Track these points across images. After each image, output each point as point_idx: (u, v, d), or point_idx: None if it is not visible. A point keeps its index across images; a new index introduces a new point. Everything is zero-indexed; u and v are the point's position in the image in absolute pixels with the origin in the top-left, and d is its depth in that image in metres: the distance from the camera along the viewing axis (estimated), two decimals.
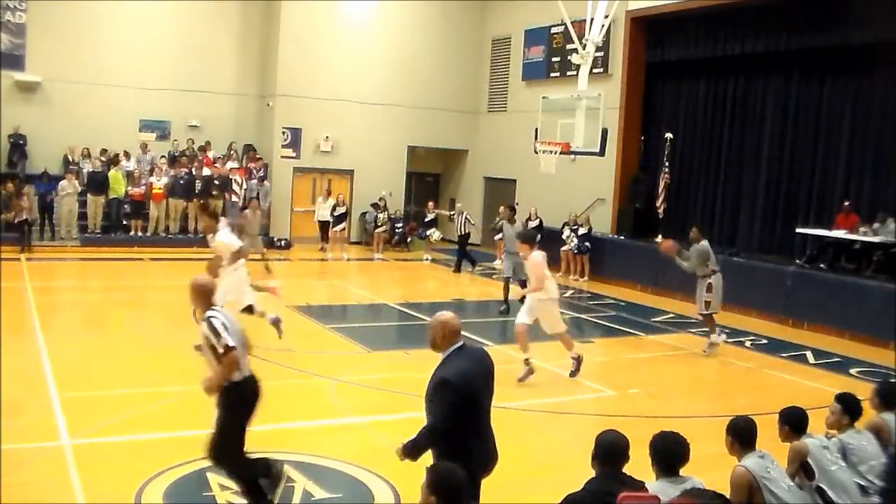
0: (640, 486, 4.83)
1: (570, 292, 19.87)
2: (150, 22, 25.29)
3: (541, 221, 23.04)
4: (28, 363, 11.10)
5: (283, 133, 26.25)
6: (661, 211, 21.52)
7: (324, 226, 24.47)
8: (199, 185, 24.24)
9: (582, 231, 21.84)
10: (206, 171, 24.59)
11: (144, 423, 8.99)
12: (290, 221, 26.41)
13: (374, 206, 25.94)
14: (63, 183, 22.76)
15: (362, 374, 11.31)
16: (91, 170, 23.60)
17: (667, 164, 21.41)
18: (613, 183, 23.27)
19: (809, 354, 14.34)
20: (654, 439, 5.09)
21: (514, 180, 26.74)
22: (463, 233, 22.75)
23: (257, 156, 26.11)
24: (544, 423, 9.72)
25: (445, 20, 28.13)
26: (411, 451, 5.28)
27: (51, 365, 11.04)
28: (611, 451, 4.87)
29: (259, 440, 8.50)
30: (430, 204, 25.65)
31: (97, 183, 23.31)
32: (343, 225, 24.34)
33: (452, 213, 24.34)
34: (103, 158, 24.00)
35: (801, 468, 5.67)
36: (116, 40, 24.93)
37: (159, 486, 7.23)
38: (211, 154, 25.63)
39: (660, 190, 21.49)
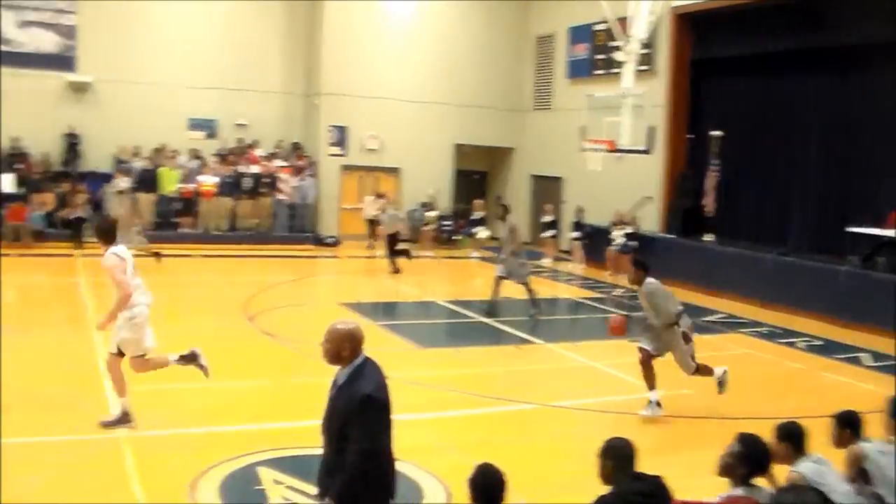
0: (657, 480, 4.79)
1: (619, 291, 19.78)
2: (197, 21, 25.61)
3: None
4: (82, 358, 11.29)
5: (330, 131, 26.40)
6: (709, 209, 21.34)
7: (372, 223, 24.60)
8: (246, 182, 24.52)
9: (628, 230, 21.71)
10: (254, 169, 24.85)
11: (198, 417, 9.13)
12: (338, 219, 26.56)
13: (422, 204, 26.03)
14: (113, 180, 23.18)
15: (412, 371, 11.34)
16: (142, 167, 23.98)
17: (715, 161, 21.22)
18: (661, 181, 23.10)
19: (865, 356, 14.09)
20: (743, 441, 4.98)
21: (561, 178, 26.67)
22: (392, 231, 21.42)
23: (304, 154, 26.31)
24: (593, 422, 9.67)
25: (489, 18, 28.08)
26: (343, 497, 4.66)
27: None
28: (624, 454, 4.79)
29: (307, 437, 8.59)
30: (477, 202, 25.65)
31: (148, 180, 23.69)
32: None
33: (382, 212, 23.01)
34: (153, 156, 24.40)
35: (859, 473, 5.58)
36: (165, 40, 25.26)
37: (213, 479, 7.33)
38: (258, 152, 25.88)
39: (708, 188, 21.31)
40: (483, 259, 23.97)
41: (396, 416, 8.69)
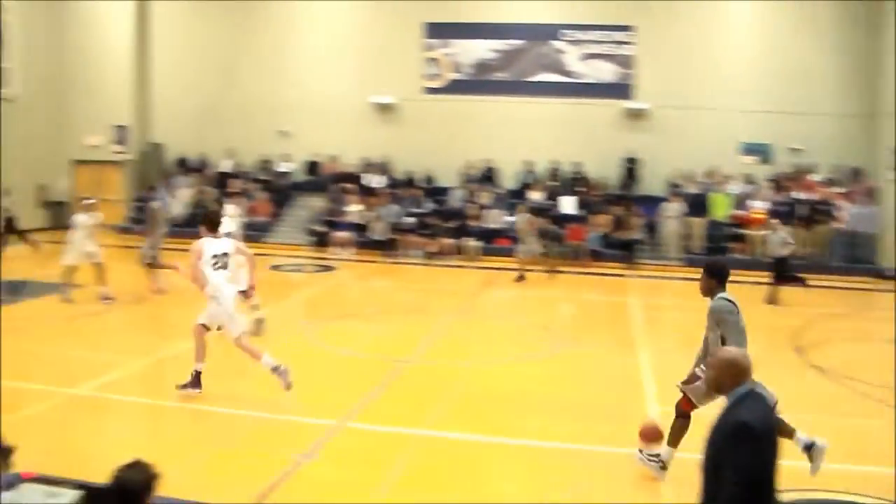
0: None
1: None
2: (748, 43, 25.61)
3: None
4: (627, 373, 11.93)
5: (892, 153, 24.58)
6: None
7: None
8: (801, 209, 23.87)
9: None
10: (810, 196, 24.14)
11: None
12: None
13: None
14: (667, 204, 24.06)
15: None
16: (693, 192, 24.58)
17: None
18: None
19: None
20: None
21: None
22: (779, 255, 18.84)
23: (865, 179, 24.84)
24: None
25: None
26: None
27: (652, 379, 11.62)
28: None
29: (843, 481, 7.90)
30: None
31: (699, 205, 24.22)
32: None
33: (766, 231, 20.51)
34: (705, 180, 24.96)
35: None
36: (719, 66, 26.01)
37: None
38: (814, 177, 25.06)
39: None
40: None
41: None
